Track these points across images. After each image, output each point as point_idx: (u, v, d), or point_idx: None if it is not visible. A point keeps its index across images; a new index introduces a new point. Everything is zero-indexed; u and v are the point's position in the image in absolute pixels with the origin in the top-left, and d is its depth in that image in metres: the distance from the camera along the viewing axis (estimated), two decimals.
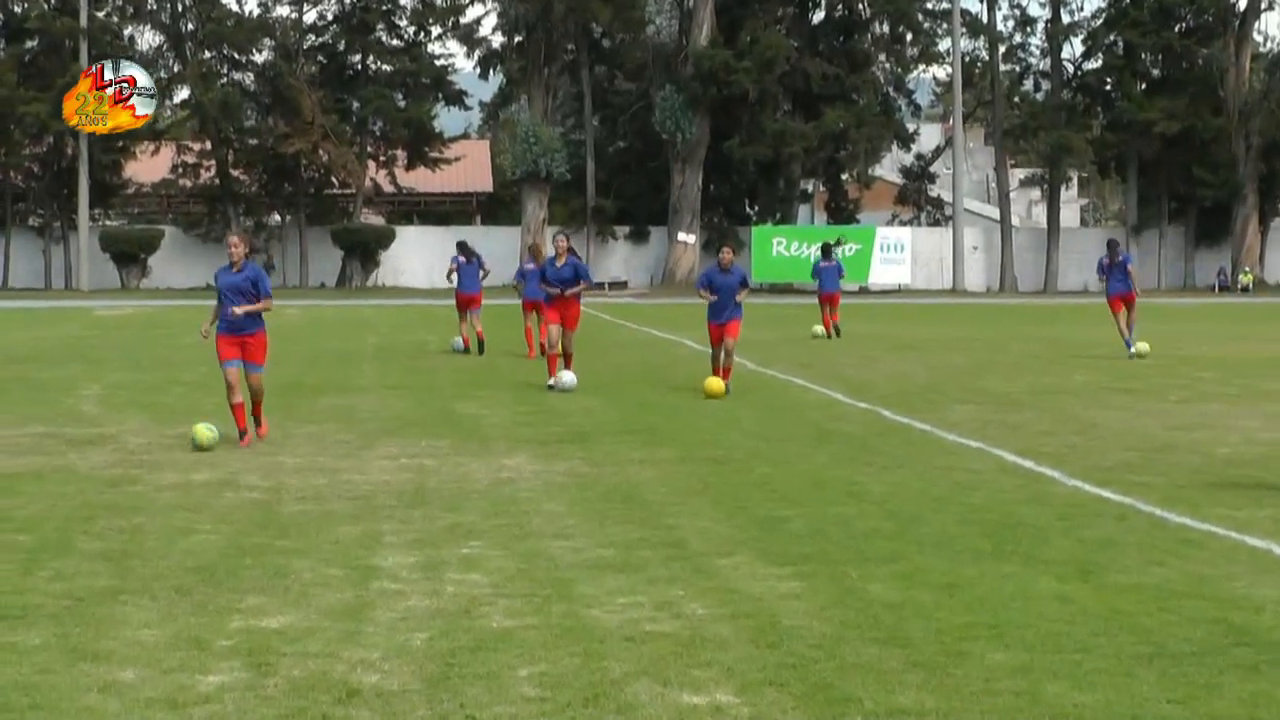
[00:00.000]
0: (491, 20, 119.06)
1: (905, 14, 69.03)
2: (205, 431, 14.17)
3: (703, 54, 65.31)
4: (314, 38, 70.70)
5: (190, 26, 68.84)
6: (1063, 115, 70.63)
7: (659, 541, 9.76)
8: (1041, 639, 7.34)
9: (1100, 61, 71.80)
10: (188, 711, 6.32)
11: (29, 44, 67.65)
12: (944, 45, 71.57)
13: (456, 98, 71.77)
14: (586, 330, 25.91)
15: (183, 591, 8.38)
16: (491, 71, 71.06)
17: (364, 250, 67.30)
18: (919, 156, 74.86)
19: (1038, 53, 73.27)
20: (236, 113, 67.49)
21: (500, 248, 60.40)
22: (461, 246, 27.25)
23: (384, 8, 69.09)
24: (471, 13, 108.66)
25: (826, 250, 33.78)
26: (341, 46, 70.29)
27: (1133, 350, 25.68)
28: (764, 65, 64.48)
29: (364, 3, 68.16)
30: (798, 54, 67.06)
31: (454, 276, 26.91)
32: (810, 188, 75.28)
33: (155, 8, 68.99)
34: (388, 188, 70.88)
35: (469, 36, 70.16)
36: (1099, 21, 71.27)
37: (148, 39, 70.32)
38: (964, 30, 69.97)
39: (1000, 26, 72.00)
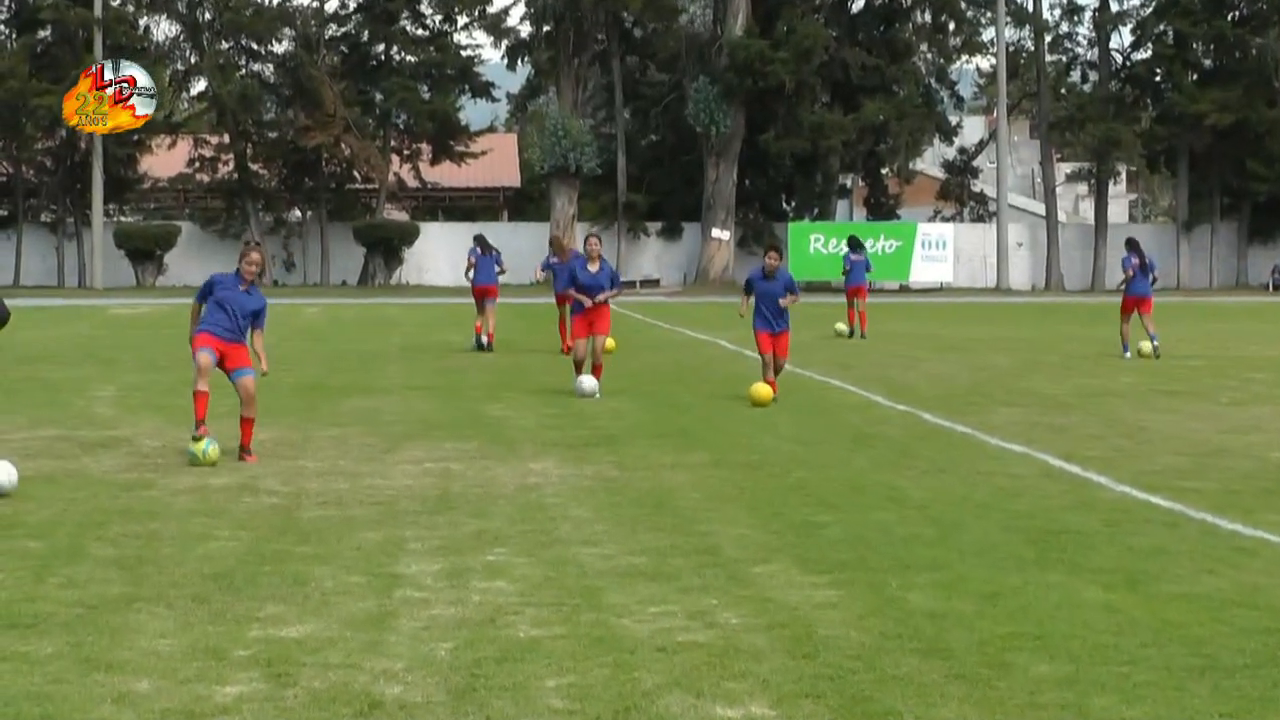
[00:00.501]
0: (519, 9, 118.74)
1: (948, 2, 67.61)
2: (205, 451, 13.17)
3: (738, 44, 63.88)
4: (336, 27, 69.41)
5: (208, 16, 67.49)
6: (1111, 107, 68.87)
7: (691, 548, 9.65)
8: (1088, 650, 7.20)
9: (1150, 51, 70.27)
10: None
11: (41, 34, 66.29)
12: (988, 35, 70.20)
13: (483, 89, 70.49)
14: (617, 330, 25.47)
15: (199, 600, 8.28)
16: (519, 62, 69.83)
17: (387, 247, 66.03)
18: (961, 150, 73.61)
19: (1085, 43, 71.84)
20: (255, 105, 66.42)
21: (528, 245, 58.99)
22: (479, 239, 27.82)
23: None
24: (499, 1, 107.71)
25: (855, 243, 33.15)
26: (365, 36, 69.10)
27: (1130, 353, 25.60)
28: (801, 55, 62.91)
29: None
30: (836, 44, 65.67)
31: (471, 272, 27.42)
32: (849, 182, 73.92)
33: None
34: (412, 183, 69.54)
35: (496, 26, 69.07)
36: (1148, 10, 69.65)
37: (164, 29, 69.33)
38: (1009, 19, 68.30)
39: (1046, 15, 70.37)
